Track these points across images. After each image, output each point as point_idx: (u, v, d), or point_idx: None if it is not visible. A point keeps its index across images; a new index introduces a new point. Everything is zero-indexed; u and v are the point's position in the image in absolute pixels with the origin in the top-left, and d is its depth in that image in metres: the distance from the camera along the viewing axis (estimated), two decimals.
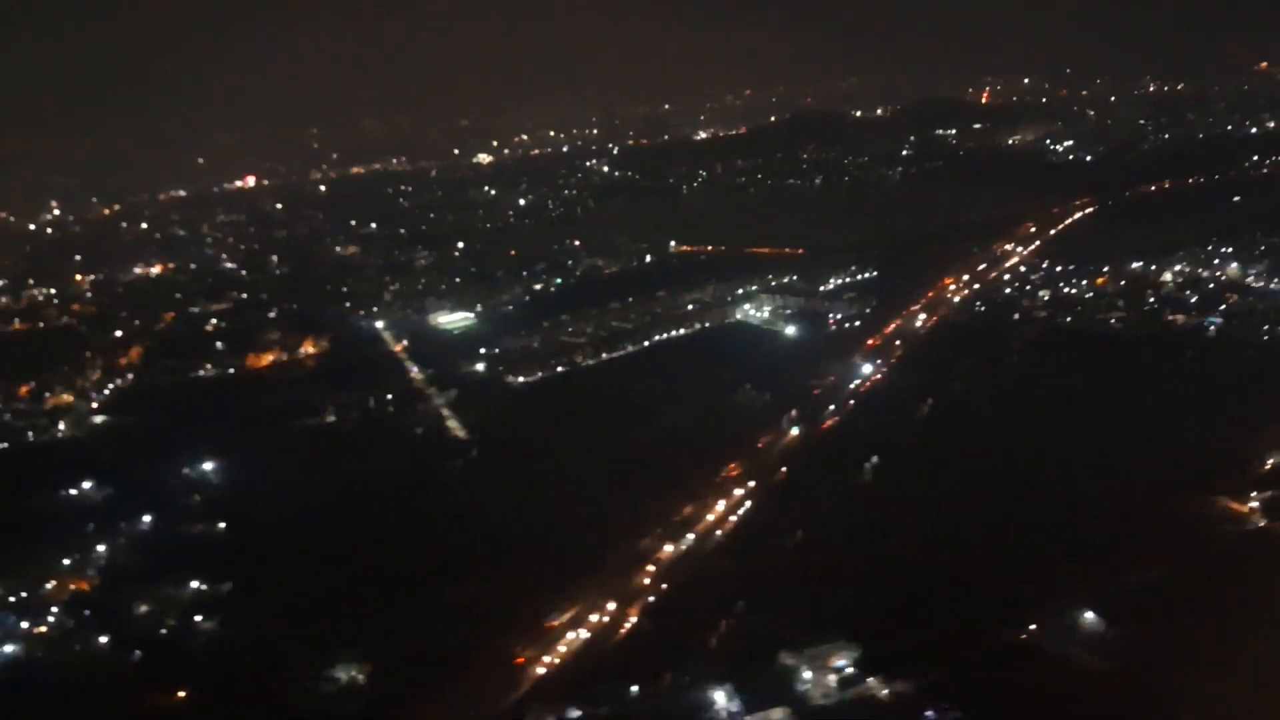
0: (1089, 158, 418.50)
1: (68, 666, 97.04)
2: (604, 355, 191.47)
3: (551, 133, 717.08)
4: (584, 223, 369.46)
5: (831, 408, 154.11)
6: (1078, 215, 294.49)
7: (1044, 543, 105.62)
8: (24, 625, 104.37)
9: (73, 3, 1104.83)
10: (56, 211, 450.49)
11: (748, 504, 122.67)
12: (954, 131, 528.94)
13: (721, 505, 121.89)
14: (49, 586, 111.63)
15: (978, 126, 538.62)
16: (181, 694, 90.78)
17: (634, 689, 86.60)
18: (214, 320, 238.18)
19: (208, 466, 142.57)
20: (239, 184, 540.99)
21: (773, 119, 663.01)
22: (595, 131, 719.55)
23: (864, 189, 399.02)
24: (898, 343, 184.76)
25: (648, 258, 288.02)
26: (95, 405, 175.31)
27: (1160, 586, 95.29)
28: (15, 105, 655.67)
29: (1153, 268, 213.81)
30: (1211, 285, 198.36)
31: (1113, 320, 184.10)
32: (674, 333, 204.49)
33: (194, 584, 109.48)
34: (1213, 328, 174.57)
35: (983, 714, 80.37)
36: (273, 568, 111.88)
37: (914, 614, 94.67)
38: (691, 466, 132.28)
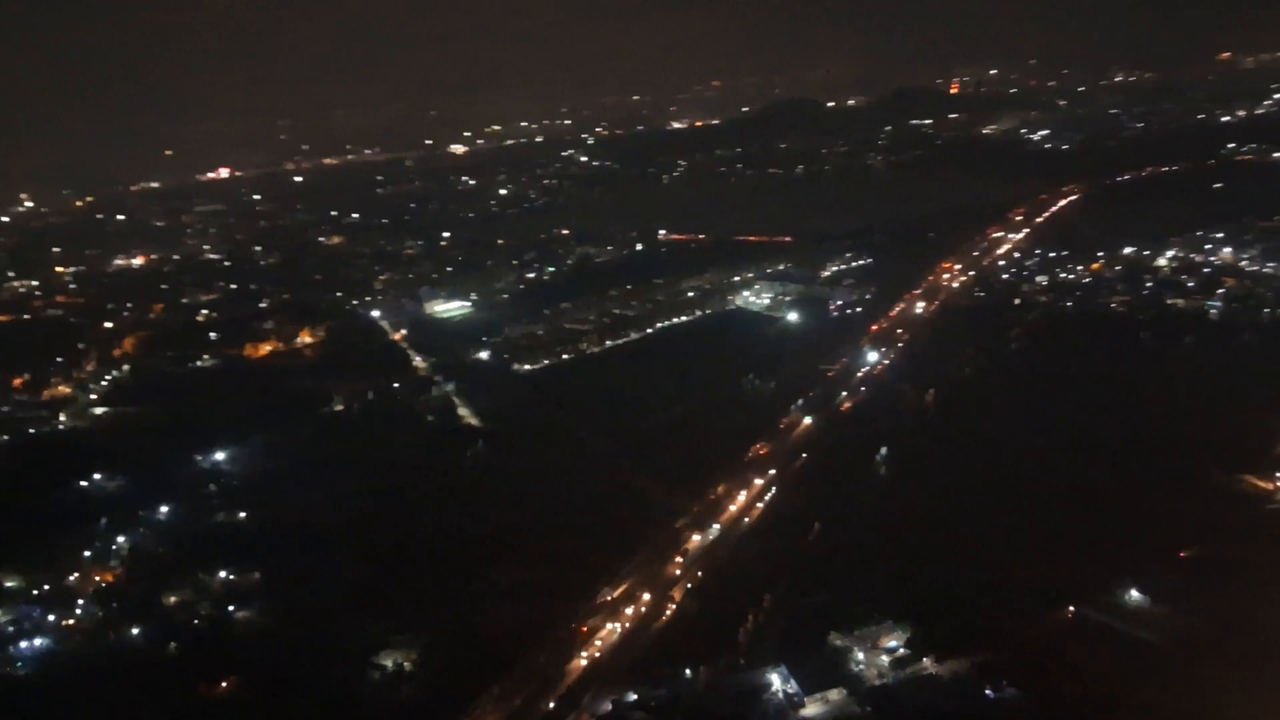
0: (1066, 146, 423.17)
1: (104, 657, 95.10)
2: (608, 342, 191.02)
3: (524, 123, 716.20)
4: (568, 212, 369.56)
5: (844, 393, 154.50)
6: (1065, 202, 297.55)
7: (1070, 523, 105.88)
8: (50, 618, 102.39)
9: None
10: (29, 204, 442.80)
11: (772, 490, 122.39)
12: (930, 121, 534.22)
13: (746, 491, 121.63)
14: (72, 579, 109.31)
15: (954, 116, 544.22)
16: (225, 684, 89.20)
17: (686, 672, 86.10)
18: (205, 310, 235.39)
19: (220, 456, 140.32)
20: (212, 175, 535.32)
21: (745, 109, 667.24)
22: (569, 122, 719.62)
23: (848, 177, 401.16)
24: (900, 330, 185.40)
25: (638, 246, 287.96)
26: (95, 396, 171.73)
27: (1200, 562, 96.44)
28: None
29: (1146, 253, 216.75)
30: (1207, 269, 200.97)
31: (1114, 304, 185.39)
32: (676, 319, 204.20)
33: (223, 574, 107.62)
34: (1214, 310, 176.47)
35: (1039, 691, 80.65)
36: (303, 556, 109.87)
37: (951, 595, 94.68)
38: (713, 450, 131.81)
